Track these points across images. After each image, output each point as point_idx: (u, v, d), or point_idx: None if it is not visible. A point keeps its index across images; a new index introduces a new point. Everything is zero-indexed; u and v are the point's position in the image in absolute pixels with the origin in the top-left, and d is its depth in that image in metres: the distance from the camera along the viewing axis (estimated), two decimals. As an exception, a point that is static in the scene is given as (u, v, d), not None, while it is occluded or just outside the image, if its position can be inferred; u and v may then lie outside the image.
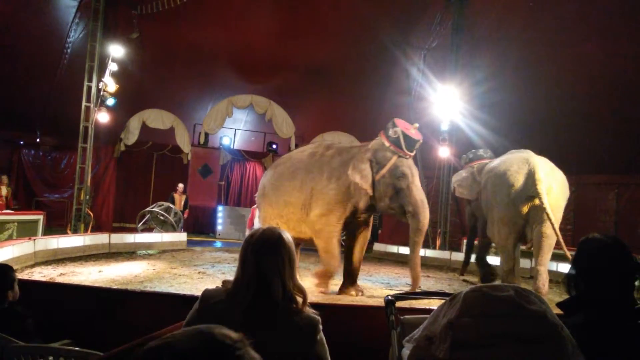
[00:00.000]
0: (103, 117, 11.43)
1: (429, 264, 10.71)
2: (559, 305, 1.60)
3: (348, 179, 6.65)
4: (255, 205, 8.44)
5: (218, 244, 12.96)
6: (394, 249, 12.20)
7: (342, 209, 6.78)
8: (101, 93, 11.07)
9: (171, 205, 12.07)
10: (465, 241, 12.51)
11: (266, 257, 1.53)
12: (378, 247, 12.60)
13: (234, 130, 15.74)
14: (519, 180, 7.03)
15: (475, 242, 9.41)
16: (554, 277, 9.75)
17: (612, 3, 10.25)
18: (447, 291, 6.03)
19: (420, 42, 13.52)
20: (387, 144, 6.80)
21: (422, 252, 10.26)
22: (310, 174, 6.95)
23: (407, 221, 6.92)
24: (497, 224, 7.32)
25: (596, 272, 1.54)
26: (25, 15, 11.40)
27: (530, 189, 6.89)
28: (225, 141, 15.23)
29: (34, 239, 8.39)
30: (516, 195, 6.99)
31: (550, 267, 10.16)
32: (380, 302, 2.81)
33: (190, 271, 8.29)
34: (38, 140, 13.76)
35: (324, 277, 6.97)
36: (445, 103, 12.17)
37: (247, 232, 8.14)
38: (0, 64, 11.76)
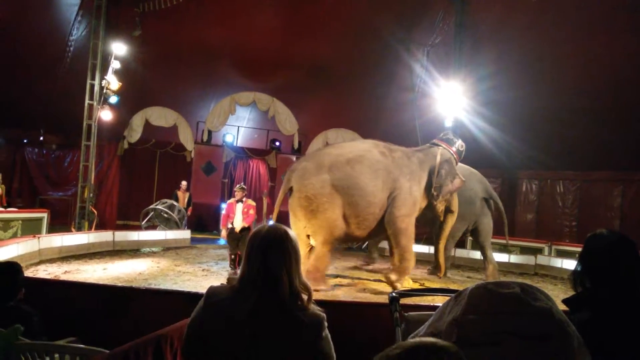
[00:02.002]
0: (106, 115, 11.45)
1: (432, 261, 10.68)
2: (564, 301, 1.59)
3: (424, 182, 7.47)
4: (231, 200, 8.15)
5: (222, 241, 12.96)
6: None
7: (417, 210, 7.48)
8: (104, 91, 11.09)
9: (175, 203, 12.09)
10: (469, 238, 12.53)
11: (273, 253, 1.53)
12: (382, 244, 12.57)
13: (237, 127, 15.73)
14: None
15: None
16: (559, 273, 9.75)
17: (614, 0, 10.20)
18: (451, 288, 6.03)
19: (424, 39, 13.49)
20: (455, 155, 7.83)
21: (427, 249, 10.28)
22: (391, 174, 7.17)
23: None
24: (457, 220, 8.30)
25: (602, 268, 1.54)
26: (28, 14, 11.40)
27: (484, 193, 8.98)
28: (229, 138, 15.22)
29: (39, 237, 8.42)
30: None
31: (555, 264, 10.20)
32: (384, 299, 2.80)
33: (194, 268, 8.31)
34: (42, 138, 13.79)
35: (405, 273, 7.38)
36: (449, 100, 12.14)
37: (223, 231, 8.15)
38: (3, 62, 11.77)
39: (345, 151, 7.25)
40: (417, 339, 0.90)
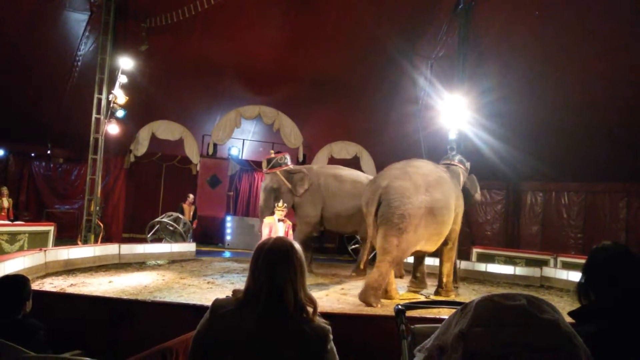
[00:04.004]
0: (113, 129, 11.54)
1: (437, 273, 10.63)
2: (570, 314, 1.59)
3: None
4: (272, 219, 7.90)
5: (227, 254, 12.97)
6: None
7: None
8: (111, 105, 11.19)
9: (180, 216, 12.12)
10: (474, 250, 12.48)
11: (278, 266, 1.54)
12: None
13: (243, 140, 15.80)
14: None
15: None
16: (565, 285, 9.67)
17: (618, 11, 10.21)
18: (457, 300, 6.00)
19: (427, 51, 13.56)
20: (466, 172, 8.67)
21: (431, 261, 10.25)
22: (455, 193, 7.92)
23: None
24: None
25: (607, 281, 1.53)
26: (36, 29, 11.56)
27: None
28: (234, 152, 15.28)
29: (45, 250, 8.45)
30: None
31: (560, 276, 10.13)
32: (390, 312, 2.79)
33: (199, 281, 8.30)
34: (49, 152, 13.90)
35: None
36: (453, 112, 12.16)
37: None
38: (12, 77, 11.92)
39: (426, 171, 7.68)
40: None
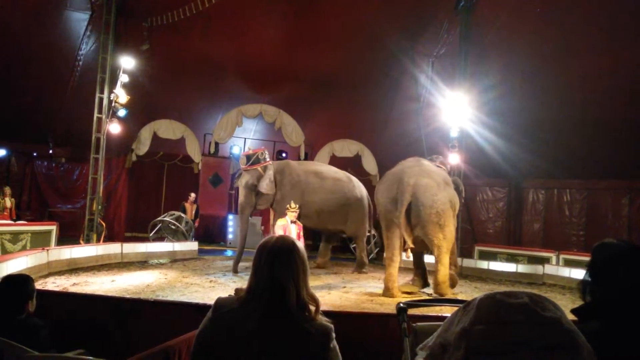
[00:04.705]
0: (114, 128, 11.56)
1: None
2: (573, 311, 1.58)
3: None
4: (285, 221, 7.73)
5: (229, 252, 12.98)
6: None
7: None
8: (112, 104, 11.21)
9: (182, 215, 12.14)
10: (476, 248, 12.48)
11: (280, 265, 1.53)
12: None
13: (244, 139, 15.81)
14: None
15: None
16: (567, 283, 9.66)
17: (620, 8, 10.18)
18: (459, 298, 5.99)
19: (429, 49, 13.53)
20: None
21: (432, 258, 10.24)
22: (453, 193, 8.13)
23: None
24: None
25: (611, 278, 1.52)
26: (37, 29, 11.58)
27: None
28: (236, 150, 15.29)
29: (48, 250, 8.47)
30: None
31: (562, 274, 10.12)
32: (392, 309, 2.79)
33: (201, 280, 8.31)
34: (51, 151, 13.93)
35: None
36: (455, 110, 12.14)
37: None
38: (14, 77, 11.94)
39: (433, 169, 8.07)
40: None
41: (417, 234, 7.62)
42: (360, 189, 10.91)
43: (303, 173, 10.25)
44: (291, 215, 7.85)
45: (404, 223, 7.44)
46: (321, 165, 11.15)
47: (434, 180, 7.69)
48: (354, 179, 11.08)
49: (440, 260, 7.61)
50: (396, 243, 7.77)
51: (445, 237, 7.59)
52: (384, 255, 8.23)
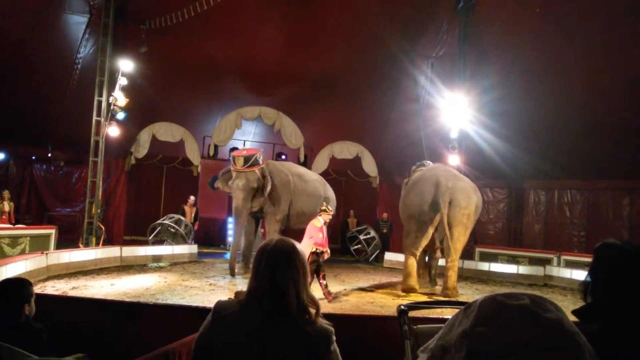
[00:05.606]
0: (113, 131, 11.55)
1: (440, 273, 10.64)
2: (574, 312, 1.57)
3: None
4: (321, 223, 7.32)
5: (228, 255, 12.95)
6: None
7: None
8: (111, 107, 11.19)
9: (182, 218, 12.12)
10: (477, 249, 12.47)
11: (281, 267, 1.53)
12: (389, 256, 12.51)
13: (243, 141, 15.79)
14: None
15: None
16: (568, 284, 9.65)
17: (620, 8, 10.18)
18: (460, 300, 5.98)
19: (428, 50, 13.54)
20: None
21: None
22: None
23: None
24: None
25: (612, 279, 1.51)
26: (36, 32, 11.57)
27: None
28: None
29: (47, 253, 8.46)
30: None
31: (564, 275, 10.11)
32: (393, 312, 2.78)
33: (201, 283, 8.30)
34: (50, 155, 13.90)
35: None
36: (454, 111, 12.15)
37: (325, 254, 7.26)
38: (12, 80, 11.92)
39: (460, 174, 8.69)
40: None
41: (442, 236, 8.04)
42: (331, 191, 11.36)
43: (289, 173, 10.34)
44: (326, 217, 7.41)
45: (445, 223, 7.78)
46: (300, 168, 11.32)
47: (468, 183, 8.23)
48: (325, 181, 11.51)
49: (453, 266, 7.98)
50: (423, 243, 8.12)
51: (463, 241, 8.05)
52: (404, 252, 8.61)
